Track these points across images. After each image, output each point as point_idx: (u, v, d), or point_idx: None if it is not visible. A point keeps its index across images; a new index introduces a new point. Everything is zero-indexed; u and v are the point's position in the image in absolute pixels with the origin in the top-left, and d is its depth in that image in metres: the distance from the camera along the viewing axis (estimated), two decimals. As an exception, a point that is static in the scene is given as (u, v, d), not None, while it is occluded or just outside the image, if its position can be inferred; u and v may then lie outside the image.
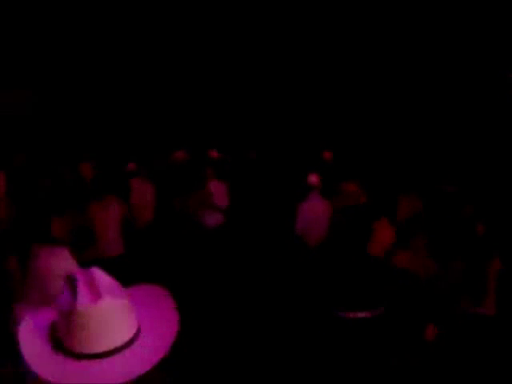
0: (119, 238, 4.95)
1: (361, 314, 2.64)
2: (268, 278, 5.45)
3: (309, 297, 4.65)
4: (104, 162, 7.10)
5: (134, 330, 1.18)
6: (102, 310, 1.11)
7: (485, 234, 3.57)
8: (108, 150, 8.36)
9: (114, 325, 1.13)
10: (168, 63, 10.22)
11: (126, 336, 1.15)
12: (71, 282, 1.18)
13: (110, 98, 10.20)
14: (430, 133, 8.27)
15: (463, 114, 7.95)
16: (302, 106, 9.90)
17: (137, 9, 9.61)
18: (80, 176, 6.27)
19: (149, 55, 10.12)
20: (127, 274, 1.84)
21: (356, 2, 8.91)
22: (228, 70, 10.09)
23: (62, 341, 1.16)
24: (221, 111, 10.34)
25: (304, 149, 8.49)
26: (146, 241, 5.66)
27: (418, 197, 5.05)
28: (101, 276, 1.19)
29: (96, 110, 10.14)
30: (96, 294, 1.13)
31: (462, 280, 3.48)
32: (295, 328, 4.43)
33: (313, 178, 5.25)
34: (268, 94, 10.11)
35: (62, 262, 3.05)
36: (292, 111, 9.97)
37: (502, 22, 7.23)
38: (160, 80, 10.30)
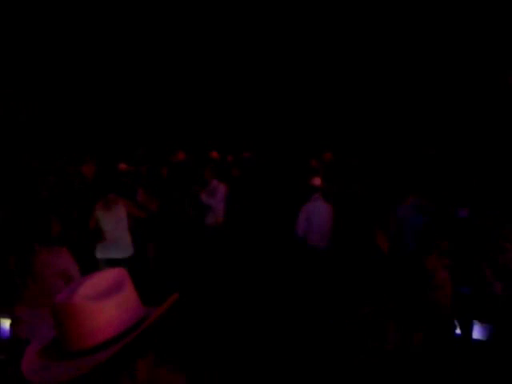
0: (128, 237, 4.97)
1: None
2: (268, 279, 5.45)
3: (309, 299, 4.66)
4: (106, 162, 7.11)
5: (100, 338, 1.08)
6: (67, 309, 1.08)
7: None
8: (110, 151, 8.39)
9: (82, 326, 1.07)
10: (176, 70, 10.30)
11: (90, 341, 1.08)
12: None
13: (112, 102, 10.27)
14: (431, 137, 8.27)
15: (464, 118, 7.95)
16: (305, 108, 9.92)
17: (142, 15, 9.66)
18: (83, 176, 6.28)
19: (159, 65, 10.20)
20: (136, 273, 1.87)
21: (357, 8, 8.91)
22: (232, 75, 10.14)
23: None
24: (222, 113, 10.36)
25: (305, 150, 8.49)
26: (148, 239, 5.68)
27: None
28: (96, 278, 1.15)
29: (99, 112, 10.19)
30: (69, 294, 1.10)
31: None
32: (296, 329, 4.44)
33: (316, 181, 5.29)
34: (270, 98, 10.14)
35: (61, 261, 3.06)
36: (295, 113, 9.99)
37: (502, 24, 7.21)
38: (164, 85, 10.38)
